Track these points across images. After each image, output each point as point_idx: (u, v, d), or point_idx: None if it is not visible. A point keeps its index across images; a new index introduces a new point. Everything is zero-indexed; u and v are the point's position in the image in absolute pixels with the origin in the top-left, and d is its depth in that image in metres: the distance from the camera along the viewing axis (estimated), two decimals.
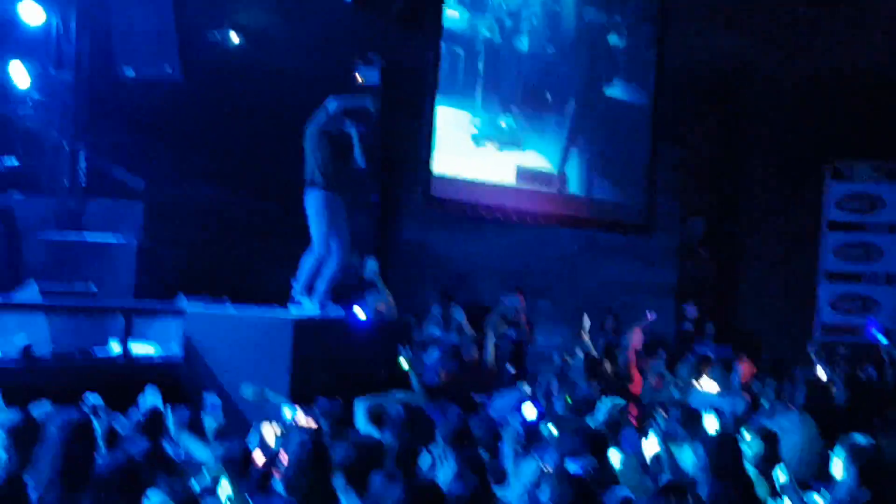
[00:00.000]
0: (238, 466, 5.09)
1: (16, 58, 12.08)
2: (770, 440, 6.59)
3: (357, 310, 9.34)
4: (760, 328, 14.38)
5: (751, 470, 6.12)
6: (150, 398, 6.71)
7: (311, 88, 9.13)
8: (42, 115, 12.06)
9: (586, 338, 11.20)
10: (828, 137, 14.67)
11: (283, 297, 9.17)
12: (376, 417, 6.86)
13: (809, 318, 14.79)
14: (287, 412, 6.39)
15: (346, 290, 10.17)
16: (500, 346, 11.53)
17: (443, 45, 11.55)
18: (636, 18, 13.38)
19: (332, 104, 8.84)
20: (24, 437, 5.22)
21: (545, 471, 5.72)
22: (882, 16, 12.12)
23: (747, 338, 13.86)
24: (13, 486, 4.19)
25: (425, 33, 11.10)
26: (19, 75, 12.14)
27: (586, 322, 11.41)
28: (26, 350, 7.93)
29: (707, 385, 9.87)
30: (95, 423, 5.57)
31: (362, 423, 6.94)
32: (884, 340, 11.45)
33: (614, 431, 6.76)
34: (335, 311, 9.08)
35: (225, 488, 4.82)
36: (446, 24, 11.62)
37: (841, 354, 11.69)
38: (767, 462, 6.43)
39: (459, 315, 11.91)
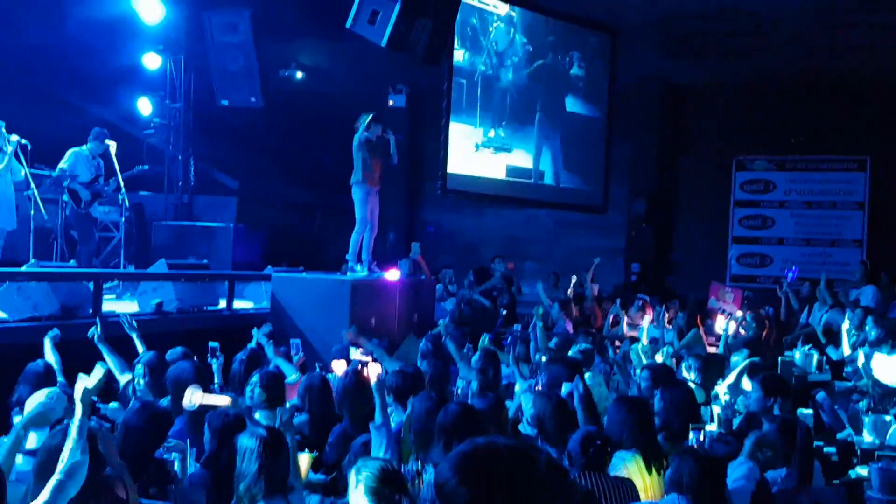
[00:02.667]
0: (318, 391, 5.07)
1: (141, 93, 12.12)
2: (703, 362, 6.62)
3: (394, 272, 9.34)
4: (686, 280, 14.38)
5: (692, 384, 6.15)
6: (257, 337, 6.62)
7: (355, 110, 9.06)
8: (162, 134, 12.09)
9: (570, 292, 11.20)
10: (736, 138, 14.66)
11: (340, 265, 9.17)
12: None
13: (722, 271, 14.79)
14: (353, 352, 6.38)
15: (387, 258, 10.19)
16: (498, 297, 11.55)
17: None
18: (592, 54, 13.24)
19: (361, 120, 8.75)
20: (158, 371, 5.28)
21: (538, 389, 5.73)
22: (778, 40, 11.95)
23: (677, 287, 13.86)
24: (163, 417, 4.21)
25: (440, 69, 10.99)
26: (144, 106, 12.16)
27: (572, 279, 11.44)
28: (158, 307, 7.99)
29: (648, 321, 9.85)
30: (213, 362, 5.61)
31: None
32: (791, 279, 11.49)
33: (588, 359, 6.77)
34: (379, 274, 9.08)
35: None
36: (454, 62, 11.54)
37: (748, 297, 11.68)
38: (703, 377, 6.47)
39: (470, 276, 11.96)
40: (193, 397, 4.24)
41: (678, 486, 3.44)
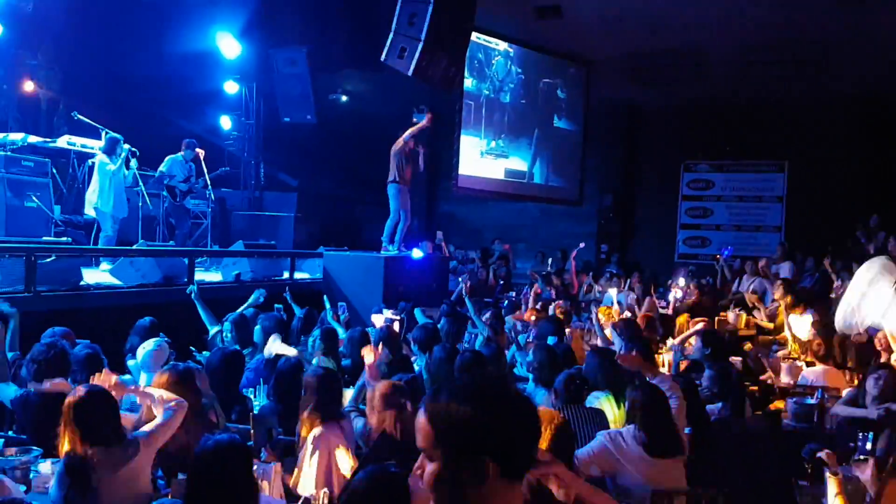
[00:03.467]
0: (358, 342, 5.08)
1: (223, 113, 12.12)
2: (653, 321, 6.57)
3: (417, 251, 9.34)
4: (644, 258, 14.32)
5: None
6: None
7: (388, 126, 9.02)
8: (238, 144, 12.09)
9: (548, 266, 11.19)
10: (684, 147, 14.51)
11: (376, 246, 9.16)
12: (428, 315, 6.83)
13: (672, 251, 14.73)
14: (386, 312, 6.38)
15: (411, 241, 10.17)
16: (496, 271, 11.54)
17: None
18: (571, 82, 13.10)
19: (407, 137, 8.75)
20: (241, 327, 5.30)
21: (529, 341, 5.74)
22: (715, 72, 11.75)
23: (636, 263, 13.80)
24: (235, 356, 4.21)
25: (454, 93, 10.91)
26: (225, 122, 12.15)
27: (549, 259, 11.44)
28: (237, 277, 8.03)
29: (614, 290, 9.81)
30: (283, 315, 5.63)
31: (420, 318, 6.87)
32: (725, 256, 11.49)
33: (567, 318, 6.76)
34: (406, 252, 9.07)
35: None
36: (464, 87, 11.45)
37: (692, 271, 11.63)
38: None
39: (476, 254, 11.93)
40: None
41: (633, 415, 3.41)
